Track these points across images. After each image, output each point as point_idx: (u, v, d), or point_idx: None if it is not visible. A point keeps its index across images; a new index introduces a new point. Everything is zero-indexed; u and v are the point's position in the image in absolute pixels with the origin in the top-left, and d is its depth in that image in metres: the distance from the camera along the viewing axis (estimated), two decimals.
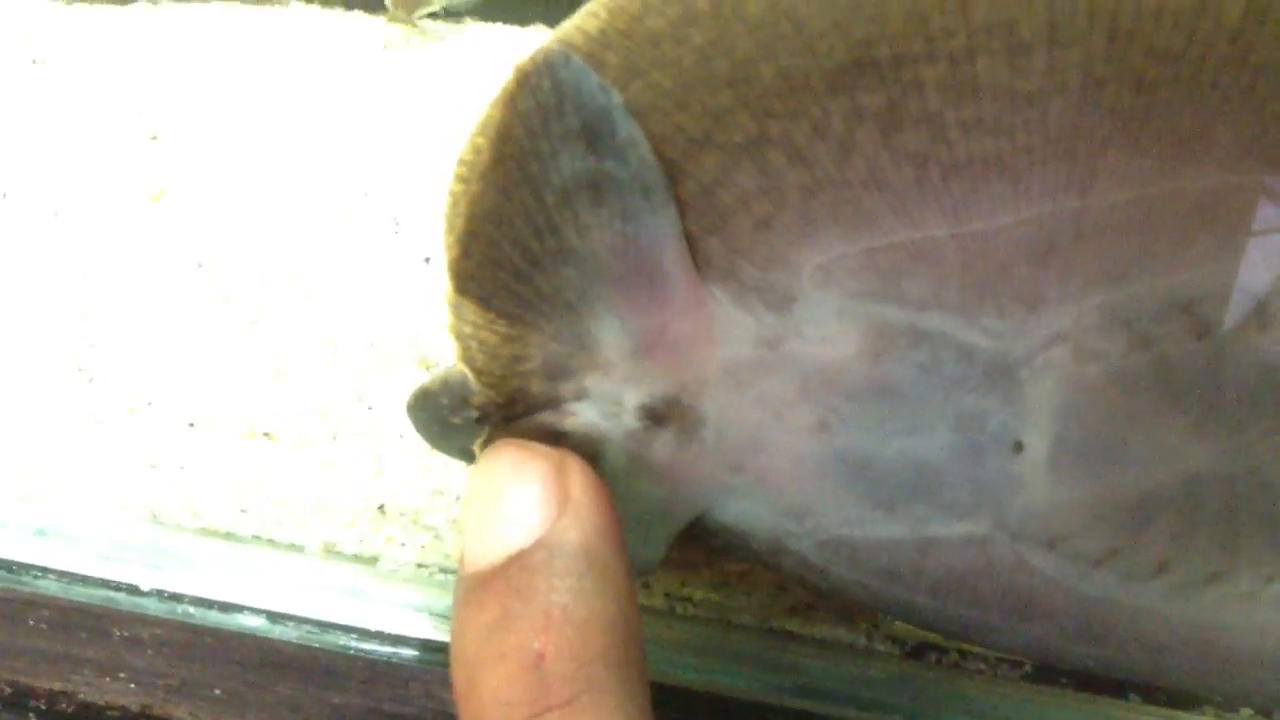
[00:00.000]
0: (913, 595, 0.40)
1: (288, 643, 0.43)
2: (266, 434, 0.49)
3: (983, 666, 0.42)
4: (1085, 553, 0.37)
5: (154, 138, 0.60)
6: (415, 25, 0.66)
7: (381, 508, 0.46)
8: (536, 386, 0.38)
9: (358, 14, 0.68)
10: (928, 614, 0.40)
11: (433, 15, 0.68)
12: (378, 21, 0.67)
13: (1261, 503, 0.35)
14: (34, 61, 0.65)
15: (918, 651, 0.43)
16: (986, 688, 0.42)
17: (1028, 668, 0.42)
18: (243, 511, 0.46)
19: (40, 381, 0.50)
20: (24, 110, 0.62)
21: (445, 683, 0.43)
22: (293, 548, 0.46)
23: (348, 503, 0.47)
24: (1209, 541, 0.36)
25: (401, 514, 0.46)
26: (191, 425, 0.49)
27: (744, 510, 0.39)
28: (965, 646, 0.43)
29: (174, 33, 0.67)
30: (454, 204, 0.36)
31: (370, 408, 0.49)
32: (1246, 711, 0.41)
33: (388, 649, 0.43)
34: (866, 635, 0.43)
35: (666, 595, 0.44)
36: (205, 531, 0.46)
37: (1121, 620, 0.38)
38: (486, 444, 0.39)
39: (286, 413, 0.49)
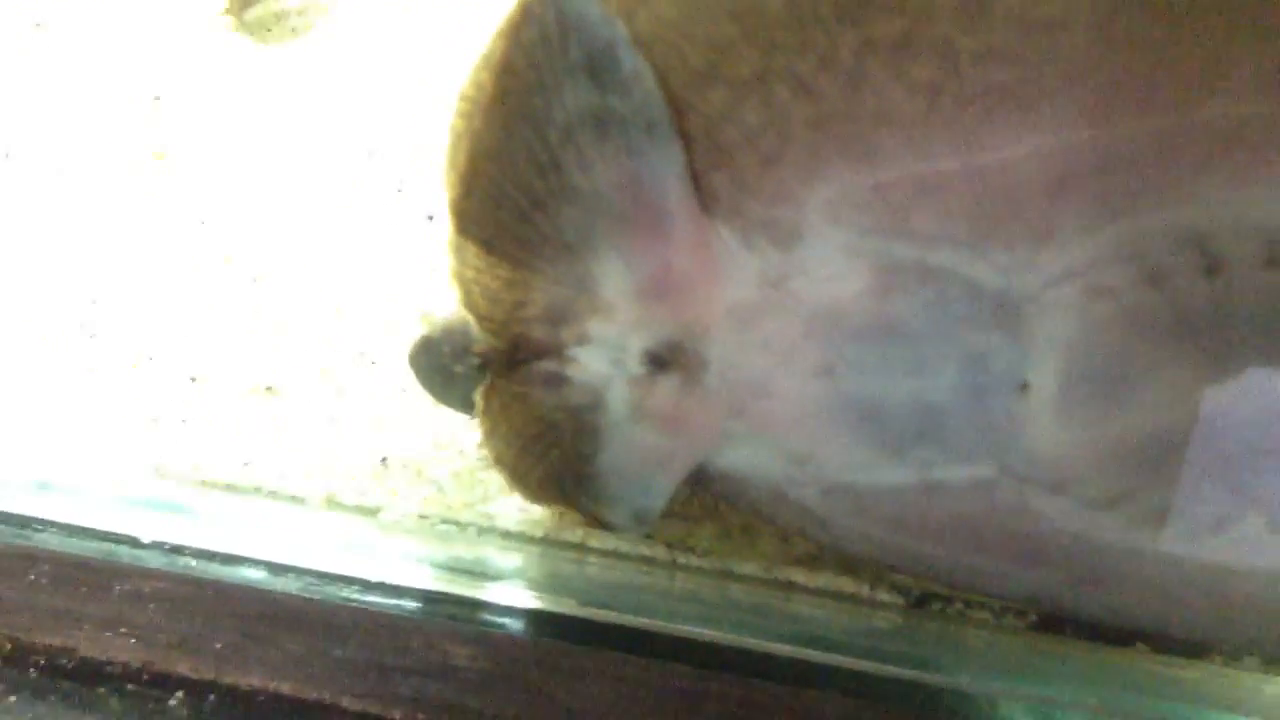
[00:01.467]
0: (918, 543, 0.39)
1: (290, 595, 0.43)
2: (269, 388, 0.48)
3: (987, 616, 0.42)
4: (1092, 496, 0.37)
5: (157, 98, 0.60)
6: (244, 22, 0.65)
7: (384, 460, 0.46)
8: (539, 332, 0.38)
9: None
10: (933, 562, 0.40)
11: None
12: None
13: (1271, 446, 0.35)
14: (37, 25, 0.65)
15: (921, 601, 0.43)
16: (990, 638, 0.42)
17: (1033, 618, 0.42)
18: (245, 465, 0.46)
19: (44, 337, 0.50)
20: (27, 73, 0.62)
21: (447, 634, 0.42)
22: (295, 500, 0.45)
23: (350, 456, 0.46)
24: (1218, 485, 0.36)
25: (404, 467, 0.46)
26: (193, 380, 0.49)
27: (746, 457, 0.39)
28: (970, 597, 0.42)
29: None
30: (455, 141, 0.35)
31: (373, 363, 0.49)
32: (1253, 660, 0.41)
33: (390, 600, 0.43)
34: (870, 585, 0.42)
35: (669, 546, 0.44)
36: (207, 484, 0.46)
37: (1129, 566, 0.38)
38: (487, 399, 0.39)
39: (289, 368, 0.49)
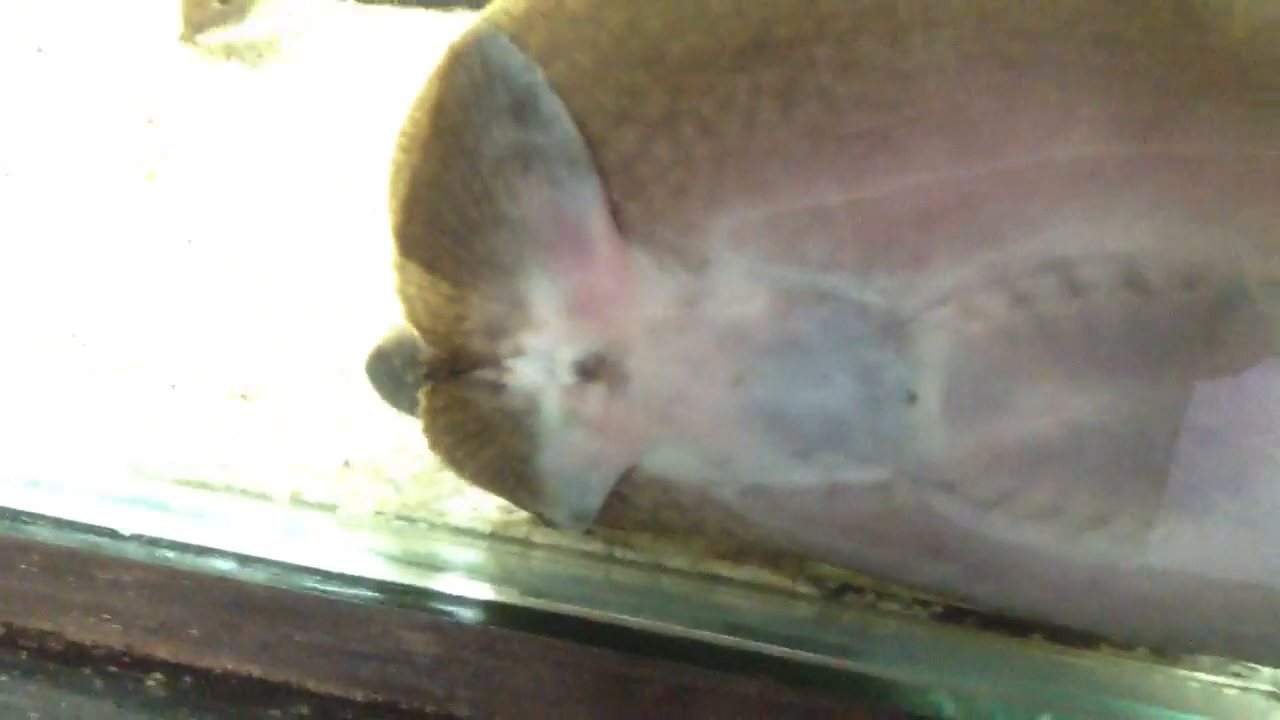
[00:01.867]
0: (828, 538, 0.43)
1: (258, 585, 0.47)
2: (243, 395, 0.52)
3: (896, 607, 0.45)
4: (980, 497, 0.40)
5: (150, 121, 0.64)
6: (198, 45, 0.68)
7: (347, 463, 0.50)
8: (477, 344, 0.42)
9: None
10: (844, 555, 0.43)
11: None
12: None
13: (1139, 451, 0.38)
14: (39, 50, 0.69)
15: (838, 593, 0.46)
16: (899, 626, 0.45)
17: (938, 608, 0.45)
18: (220, 465, 0.50)
19: (37, 345, 0.54)
20: (28, 95, 0.66)
21: (402, 622, 0.46)
22: (262, 497, 0.49)
23: (317, 457, 0.50)
24: (1093, 487, 0.39)
25: (366, 467, 0.50)
26: (174, 386, 0.53)
27: (671, 460, 0.43)
28: (883, 588, 0.46)
29: (173, 20, 0.71)
30: (396, 172, 0.39)
31: (341, 371, 0.53)
32: (1143, 650, 0.44)
33: (350, 590, 0.47)
34: (791, 578, 0.46)
35: (606, 542, 0.47)
36: (182, 482, 0.50)
37: (1017, 561, 0.41)
38: (430, 398, 0.43)
39: (263, 374, 0.53)
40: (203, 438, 0.51)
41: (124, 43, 0.69)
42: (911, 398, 0.39)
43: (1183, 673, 0.44)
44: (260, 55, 0.69)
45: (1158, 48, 0.33)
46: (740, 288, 0.39)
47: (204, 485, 0.50)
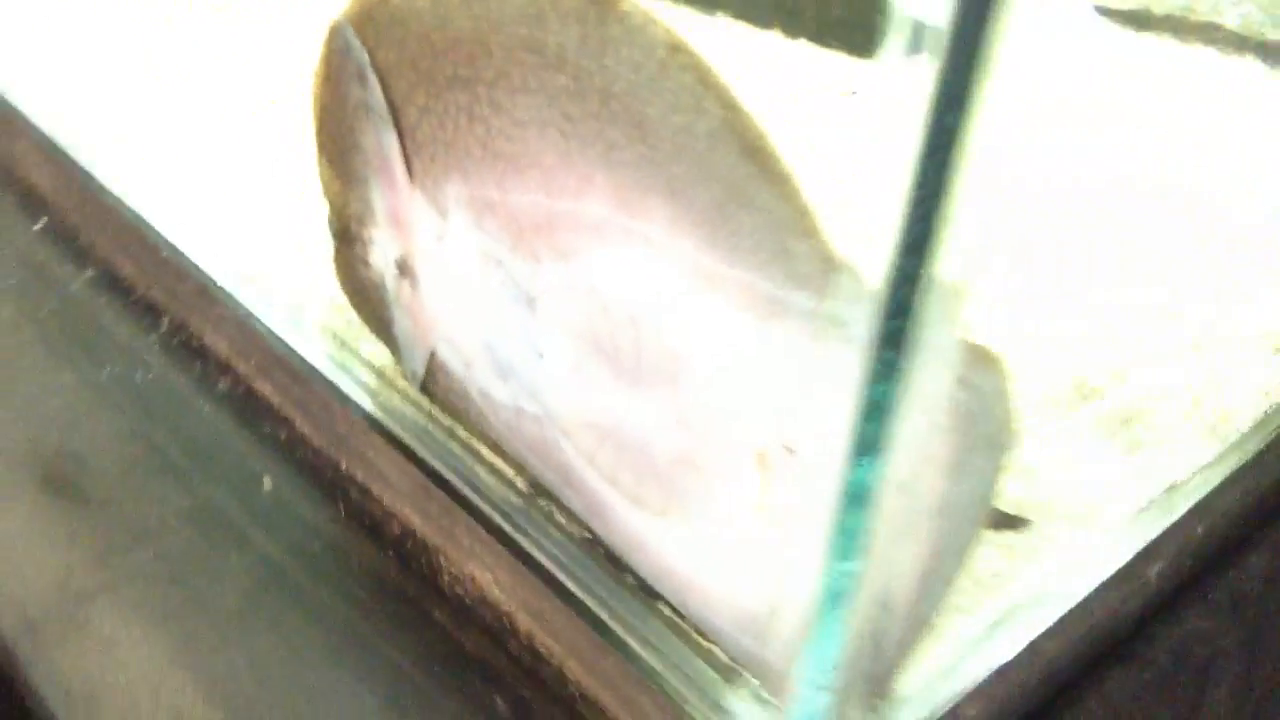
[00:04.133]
0: (520, 450, 0.58)
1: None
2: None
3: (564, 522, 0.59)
4: (582, 449, 0.54)
5: None
6: None
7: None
8: (354, 226, 0.61)
9: None
10: (532, 467, 0.58)
11: None
12: None
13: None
14: None
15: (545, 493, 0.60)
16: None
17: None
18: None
19: None
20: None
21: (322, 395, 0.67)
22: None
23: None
24: (634, 467, 0.51)
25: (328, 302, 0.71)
26: None
27: (446, 353, 0.60)
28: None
29: None
30: (313, 97, 0.59)
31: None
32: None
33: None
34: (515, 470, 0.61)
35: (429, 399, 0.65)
36: None
37: (606, 514, 0.54)
38: (336, 258, 0.63)
39: None
40: None
41: None
42: (540, 355, 0.53)
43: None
44: None
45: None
46: (463, 239, 0.55)
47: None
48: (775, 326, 0.43)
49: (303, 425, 0.69)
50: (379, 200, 0.58)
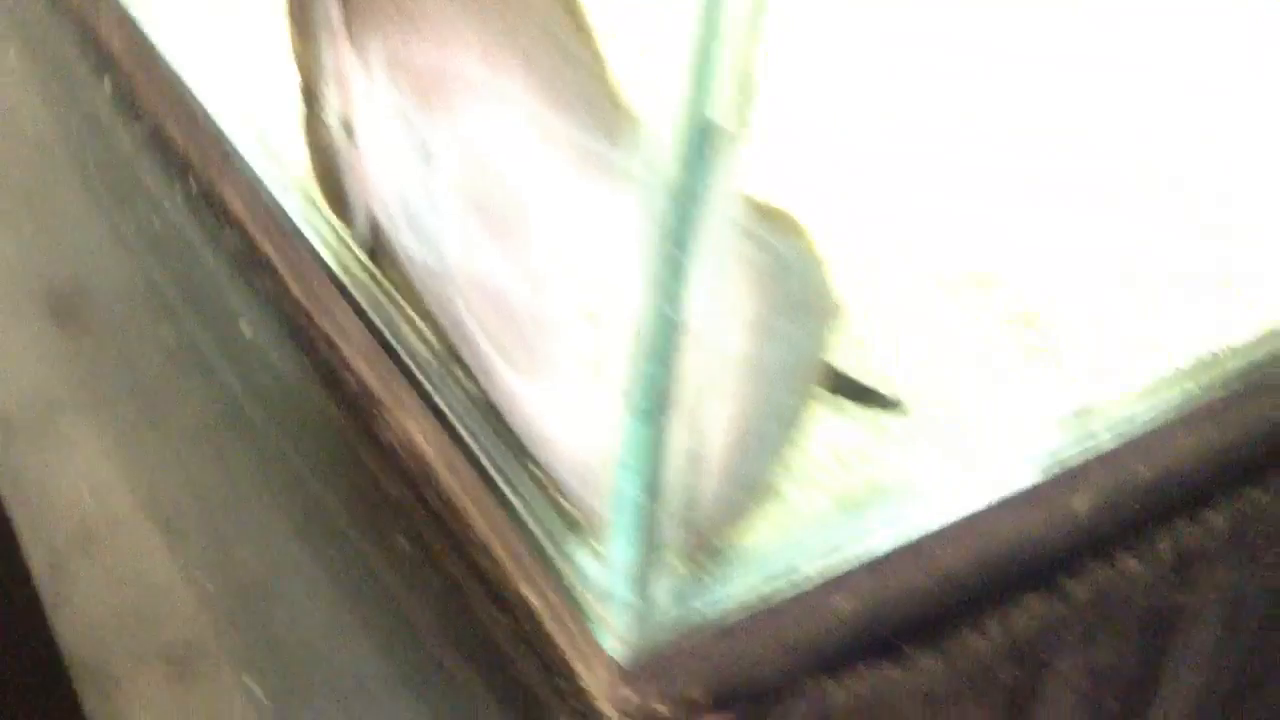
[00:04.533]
0: (435, 311, 0.61)
1: None
2: None
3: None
4: (472, 306, 0.57)
5: None
6: None
7: None
8: (316, 87, 0.65)
9: None
10: (446, 328, 0.62)
11: None
12: None
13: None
14: None
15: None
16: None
17: None
18: None
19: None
20: None
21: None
22: None
23: None
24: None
25: None
26: None
27: (380, 214, 0.63)
28: None
29: None
30: None
31: None
32: None
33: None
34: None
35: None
36: None
37: (500, 375, 0.57)
38: (304, 119, 0.68)
39: None
40: None
41: None
42: (436, 210, 0.56)
43: None
44: None
45: None
46: (383, 97, 0.58)
47: None
48: (591, 183, 0.45)
49: (287, 280, 0.74)
50: (328, 59, 0.62)
